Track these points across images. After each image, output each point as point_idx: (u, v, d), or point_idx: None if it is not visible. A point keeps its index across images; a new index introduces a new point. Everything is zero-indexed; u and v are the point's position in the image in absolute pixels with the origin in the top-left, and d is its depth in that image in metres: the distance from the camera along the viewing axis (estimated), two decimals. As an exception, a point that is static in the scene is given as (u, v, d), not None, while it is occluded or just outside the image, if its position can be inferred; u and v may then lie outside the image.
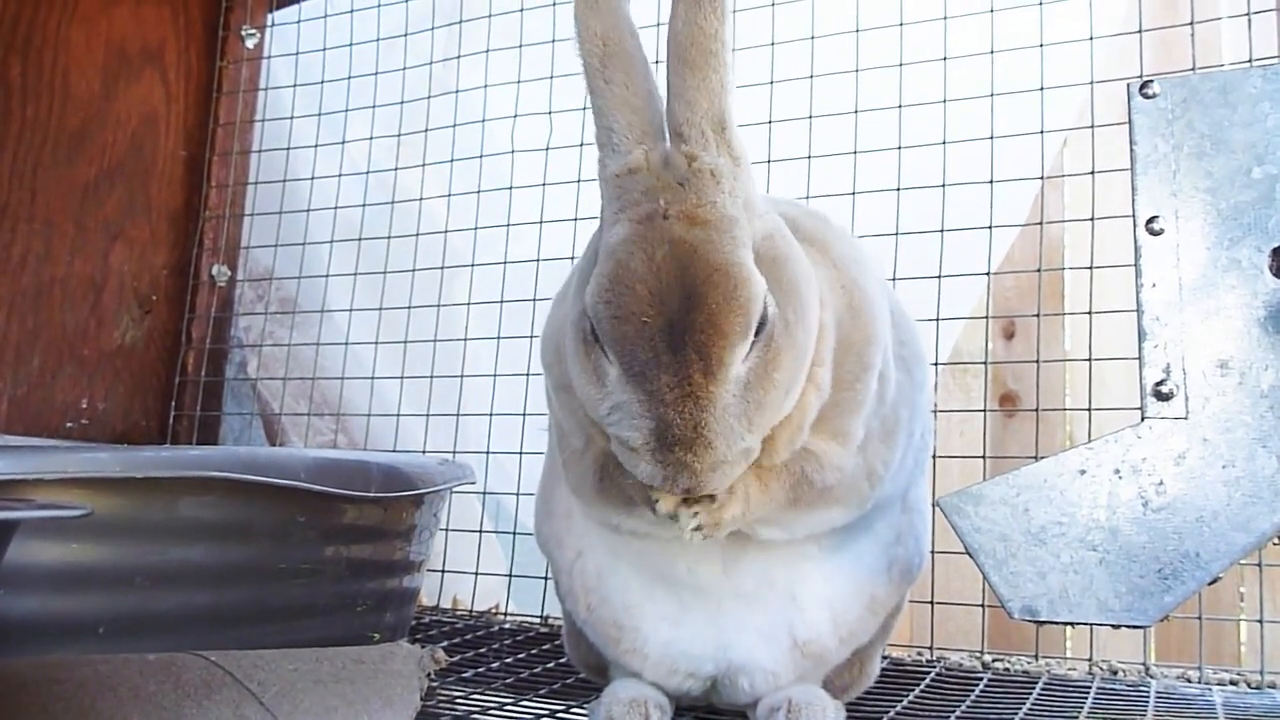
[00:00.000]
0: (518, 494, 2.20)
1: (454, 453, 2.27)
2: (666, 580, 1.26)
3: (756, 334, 1.01)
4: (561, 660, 1.66)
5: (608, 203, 1.07)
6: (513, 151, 2.35)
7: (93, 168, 2.51)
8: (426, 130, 2.50)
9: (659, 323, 0.98)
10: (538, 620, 2.10)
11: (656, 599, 1.28)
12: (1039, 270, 1.94)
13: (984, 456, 1.90)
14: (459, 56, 2.50)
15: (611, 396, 1.02)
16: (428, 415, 2.36)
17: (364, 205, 2.56)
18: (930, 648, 1.86)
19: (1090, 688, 1.61)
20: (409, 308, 2.42)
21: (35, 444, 2.08)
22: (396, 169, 2.54)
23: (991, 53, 1.92)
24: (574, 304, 1.09)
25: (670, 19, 1.07)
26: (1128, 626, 1.12)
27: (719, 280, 0.99)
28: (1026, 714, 1.43)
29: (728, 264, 1.00)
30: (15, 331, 2.35)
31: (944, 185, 1.93)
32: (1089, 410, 1.79)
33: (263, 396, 2.67)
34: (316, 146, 2.64)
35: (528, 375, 2.19)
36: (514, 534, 2.21)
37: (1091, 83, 1.90)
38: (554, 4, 2.34)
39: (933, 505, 1.38)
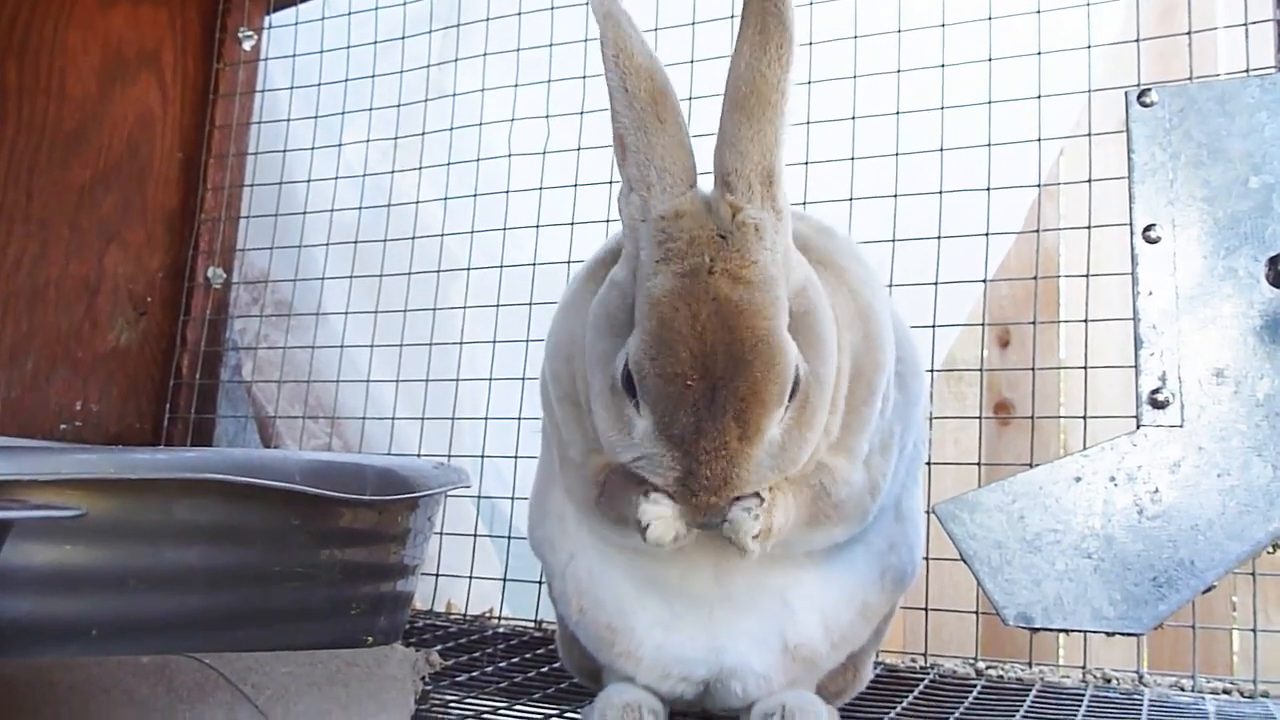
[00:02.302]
0: (512, 498, 2.19)
1: (449, 456, 2.27)
2: (658, 587, 1.26)
3: (790, 397, 1.03)
4: (555, 665, 1.66)
5: (649, 244, 1.06)
6: (509, 155, 2.34)
7: (88, 170, 2.51)
8: (423, 133, 2.49)
9: (701, 386, 1.00)
10: (532, 625, 2.10)
11: (648, 605, 1.27)
12: (1035, 278, 1.94)
13: (979, 464, 1.89)
14: (456, 60, 2.49)
15: (638, 447, 1.04)
16: (423, 419, 2.36)
17: (360, 208, 2.56)
18: (924, 654, 1.85)
19: (1084, 695, 1.61)
20: (404, 311, 2.42)
21: (29, 445, 2.08)
22: (393, 172, 2.54)
23: (989, 60, 1.91)
24: (597, 340, 1.11)
25: (732, 59, 1.07)
26: (1122, 634, 1.12)
27: (762, 350, 1.00)
28: (1020, 721, 1.43)
29: (770, 332, 1.01)
30: (9, 333, 2.35)
31: (940, 192, 1.92)
32: (1084, 418, 1.79)
33: (257, 399, 2.67)
34: (313, 149, 2.64)
35: (523, 379, 2.18)
36: (508, 538, 2.20)
37: (1089, 91, 1.91)
38: (552, 8, 2.34)
39: (928, 512, 1.38)
